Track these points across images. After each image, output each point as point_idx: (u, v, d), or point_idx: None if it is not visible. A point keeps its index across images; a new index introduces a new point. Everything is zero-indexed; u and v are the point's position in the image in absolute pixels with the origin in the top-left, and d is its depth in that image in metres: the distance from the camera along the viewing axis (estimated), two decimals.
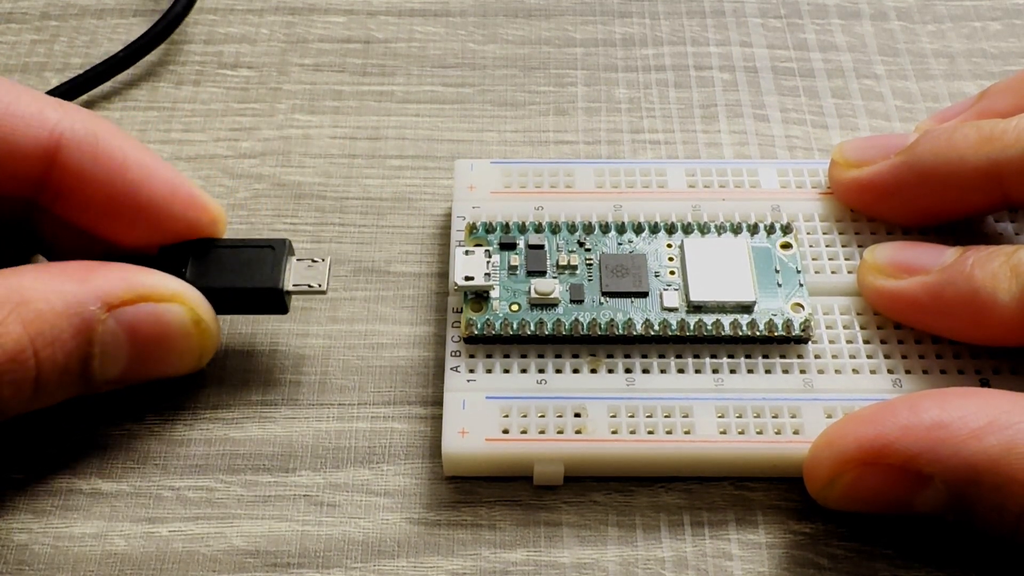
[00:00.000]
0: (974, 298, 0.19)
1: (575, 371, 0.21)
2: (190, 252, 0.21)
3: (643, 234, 0.23)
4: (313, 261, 0.21)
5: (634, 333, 0.21)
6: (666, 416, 0.20)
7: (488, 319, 0.21)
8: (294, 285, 0.21)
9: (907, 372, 0.21)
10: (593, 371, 0.21)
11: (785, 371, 0.21)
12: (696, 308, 0.21)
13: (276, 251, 0.21)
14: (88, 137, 0.20)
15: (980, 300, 0.19)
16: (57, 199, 0.20)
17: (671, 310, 0.21)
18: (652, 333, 0.21)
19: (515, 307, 0.21)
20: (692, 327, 0.21)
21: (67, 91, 0.26)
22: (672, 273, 0.22)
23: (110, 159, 0.20)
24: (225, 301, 0.21)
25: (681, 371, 0.21)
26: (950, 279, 0.20)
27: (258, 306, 0.21)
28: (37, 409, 0.19)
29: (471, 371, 0.21)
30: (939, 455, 0.17)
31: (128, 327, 0.19)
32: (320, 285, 0.21)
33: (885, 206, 0.22)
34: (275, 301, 0.21)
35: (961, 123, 0.22)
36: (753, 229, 0.23)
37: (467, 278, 0.21)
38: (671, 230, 0.23)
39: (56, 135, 0.19)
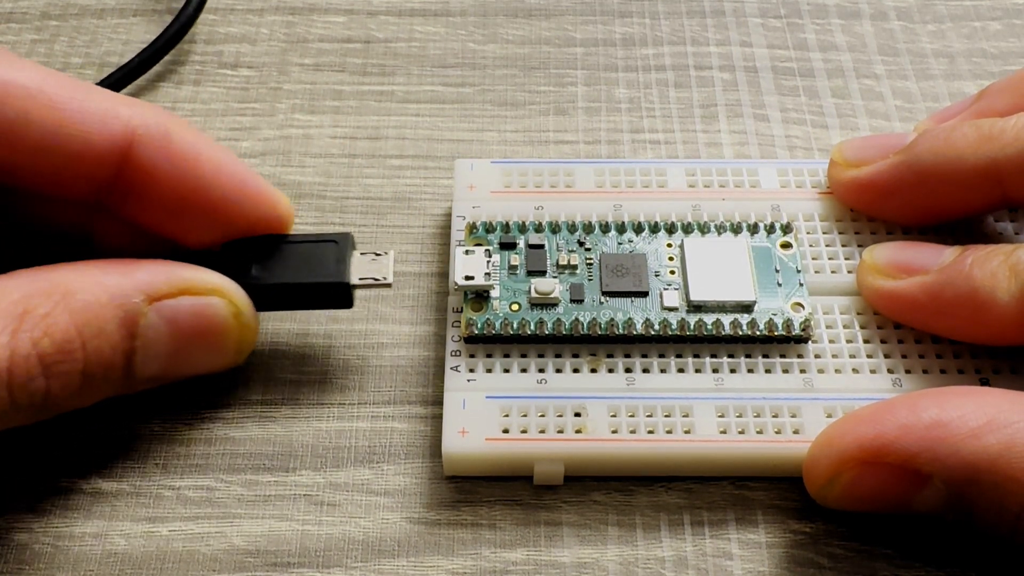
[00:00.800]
0: (973, 298, 0.19)
1: (575, 371, 0.21)
2: (253, 248, 0.21)
3: (643, 234, 0.23)
4: (376, 255, 0.21)
5: (634, 333, 0.21)
6: (666, 416, 0.20)
7: (488, 319, 0.21)
8: (360, 279, 0.21)
9: (907, 372, 0.21)
10: (593, 371, 0.21)
11: (785, 371, 0.21)
12: (696, 308, 0.21)
13: (340, 245, 0.21)
14: (161, 133, 0.19)
15: (979, 299, 0.19)
16: (127, 198, 0.20)
17: (671, 310, 0.21)
18: (652, 333, 0.21)
19: (515, 307, 0.21)
20: (692, 327, 0.21)
21: None
22: (672, 273, 0.22)
23: (183, 155, 0.20)
24: (291, 297, 0.21)
25: (681, 371, 0.21)
26: (949, 279, 0.20)
27: (324, 301, 0.21)
28: (78, 408, 0.19)
29: (471, 371, 0.21)
30: (938, 454, 0.17)
31: (169, 320, 0.19)
32: (385, 278, 0.21)
33: (884, 206, 0.22)
34: (341, 295, 0.21)
35: (960, 122, 0.22)
36: (753, 229, 0.23)
37: (467, 278, 0.21)
38: (671, 230, 0.23)
39: (130, 131, 0.19)
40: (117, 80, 0.27)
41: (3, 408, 0.17)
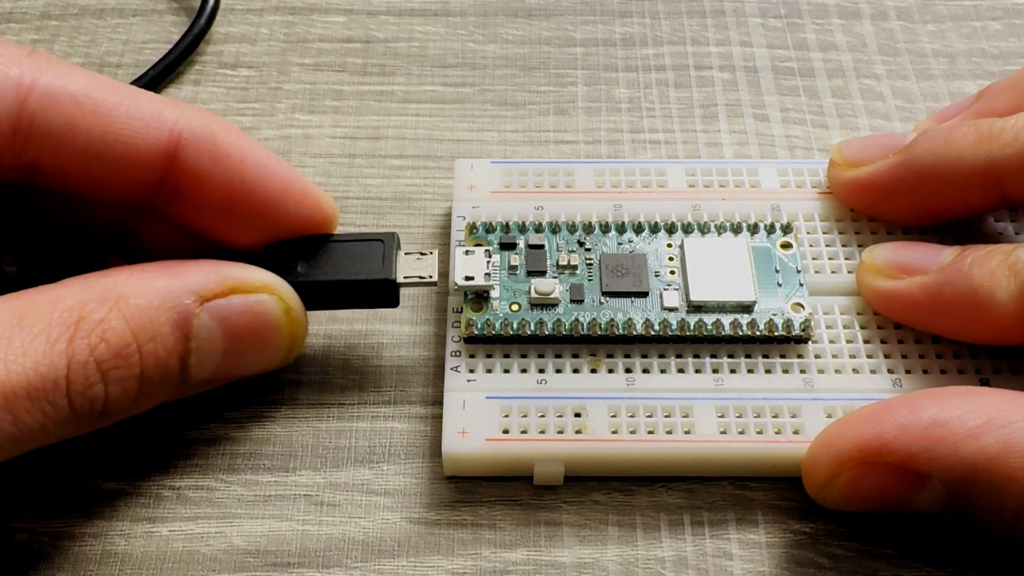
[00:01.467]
0: (972, 298, 0.19)
1: (575, 371, 0.21)
2: (299, 248, 0.21)
3: (643, 234, 0.23)
4: (421, 254, 0.21)
5: (634, 333, 0.21)
6: (666, 416, 0.20)
7: (488, 319, 0.21)
8: (405, 277, 0.21)
9: (907, 372, 0.21)
10: (593, 371, 0.21)
11: (785, 371, 0.21)
12: (696, 308, 0.21)
13: (386, 244, 0.21)
14: (206, 136, 0.19)
15: (978, 299, 0.19)
16: (173, 201, 0.20)
17: (671, 310, 0.21)
18: (652, 333, 0.21)
19: (515, 307, 0.21)
20: (692, 327, 0.21)
21: None
22: (672, 273, 0.22)
23: (228, 158, 0.19)
24: (338, 295, 0.21)
25: (681, 371, 0.21)
26: (948, 279, 0.20)
27: (370, 299, 0.21)
28: (135, 415, 0.19)
29: (471, 371, 0.21)
30: (937, 454, 0.17)
31: (222, 320, 0.19)
32: (431, 276, 0.21)
33: (884, 205, 0.22)
34: (388, 293, 0.21)
35: (959, 122, 0.22)
36: (753, 229, 0.23)
37: (467, 278, 0.21)
38: (671, 230, 0.23)
39: (175, 135, 0.19)
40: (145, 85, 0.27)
41: (63, 417, 0.17)
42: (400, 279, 0.21)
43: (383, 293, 0.21)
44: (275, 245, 0.21)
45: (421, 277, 0.21)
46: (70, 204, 0.21)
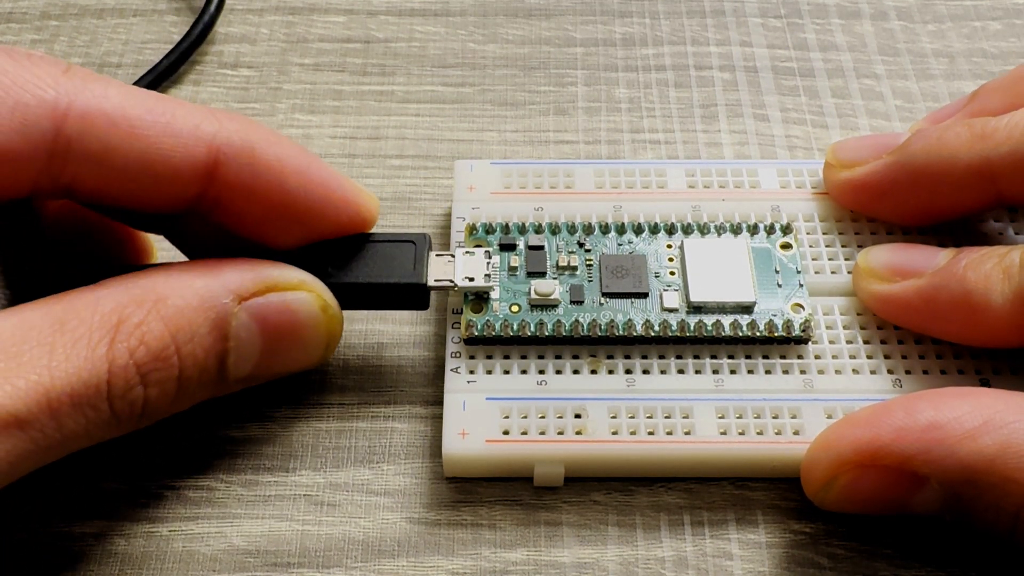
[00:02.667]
0: (967, 300, 0.19)
1: (575, 372, 0.21)
2: (331, 248, 0.21)
3: (643, 234, 0.23)
4: (452, 257, 0.21)
5: (634, 334, 0.21)
6: (666, 416, 0.20)
7: (488, 320, 0.21)
8: (435, 280, 0.21)
9: (907, 372, 0.21)
10: (593, 372, 0.21)
11: (785, 371, 0.21)
12: (696, 308, 0.21)
13: (417, 246, 0.21)
14: (245, 149, 0.19)
15: (973, 302, 0.19)
16: (214, 209, 0.19)
17: (671, 311, 0.21)
18: (652, 334, 0.21)
19: (515, 308, 0.21)
20: (692, 328, 0.21)
21: None
22: (672, 274, 0.22)
23: (268, 170, 0.19)
24: (368, 297, 0.21)
25: (681, 371, 0.21)
26: (943, 282, 0.20)
27: (400, 302, 0.21)
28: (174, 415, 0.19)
29: (471, 372, 0.21)
30: (934, 456, 0.17)
31: (260, 318, 0.19)
32: (451, 280, 0.21)
33: (879, 206, 0.22)
34: (418, 296, 0.21)
35: (953, 122, 0.22)
36: (753, 229, 0.23)
37: (467, 279, 0.21)
38: (671, 230, 0.23)
39: (214, 150, 0.19)
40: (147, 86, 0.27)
41: (104, 420, 0.17)
42: (430, 283, 0.21)
43: (413, 296, 0.21)
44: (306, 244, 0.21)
45: (452, 281, 0.21)
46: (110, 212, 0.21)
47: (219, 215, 0.20)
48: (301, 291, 0.19)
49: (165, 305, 0.18)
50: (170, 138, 0.18)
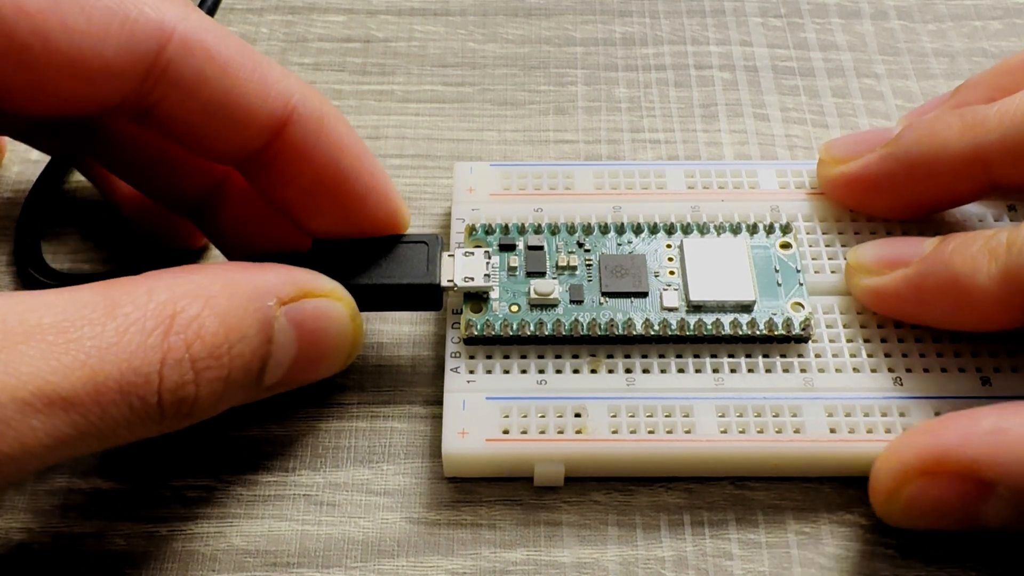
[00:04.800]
0: (954, 283, 0.19)
1: (575, 371, 0.21)
2: (344, 248, 0.21)
3: (642, 235, 0.23)
4: (451, 256, 0.21)
5: (634, 333, 0.21)
6: (666, 416, 0.20)
7: (488, 320, 0.21)
8: (448, 280, 0.21)
9: (907, 371, 0.21)
10: (593, 371, 0.21)
11: (785, 370, 0.21)
12: (696, 308, 0.21)
13: (430, 247, 0.21)
14: (316, 115, 0.19)
15: (960, 285, 0.19)
16: (266, 170, 0.20)
17: (671, 310, 0.21)
18: (652, 333, 0.21)
19: (515, 308, 0.21)
20: (692, 327, 0.21)
21: None
22: (672, 273, 0.22)
23: (330, 143, 0.19)
24: (382, 298, 0.21)
25: (681, 371, 0.21)
26: (930, 268, 0.20)
27: (413, 303, 0.21)
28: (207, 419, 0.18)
29: (471, 372, 0.21)
30: (999, 459, 0.17)
31: (298, 324, 0.18)
32: (451, 280, 0.21)
33: (874, 199, 0.22)
34: (432, 297, 0.21)
35: (944, 112, 0.22)
36: (752, 229, 0.23)
37: (467, 279, 0.21)
38: (670, 230, 0.23)
39: (290, 108, 0.19)
40: None
41: (149, 414, 0.16)
42: (444, 283, 0.21)
43: (427, 297, 0.21)
44: (321, 243, 0.21)
45: (451, 281, 0.21)
46: (165, 161, 0.21)
47: (267, 178, 0.20)
48: (333, 299, 0.19)
49: (218, 302, 0.17)
50: (255, 84, 0.19)
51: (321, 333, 0.19)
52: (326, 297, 0.19)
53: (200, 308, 0.17)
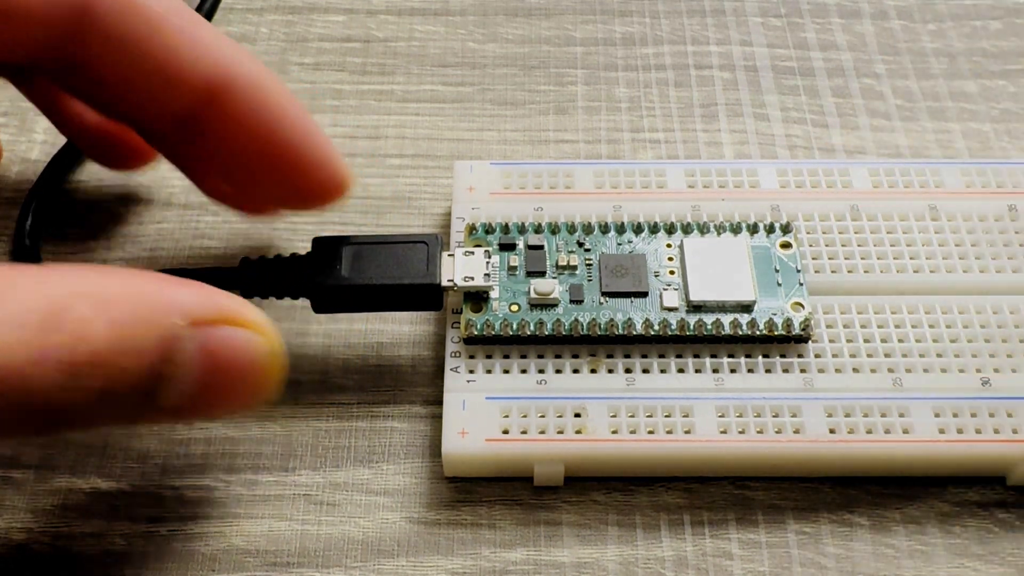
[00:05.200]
0: None
1: (575, 371, 0.21)
2: (342, 247, 0.21)
3: (643, 234, 0.23)
4: (451, 256, 0.21)
5: (634, 333, 0.21)
6: (666, 416, 0.20)
7: (488, 319, 0.21)
8: (448, 280, 0.21)
9: (907, 372, 0.21)
10: (593, 371, 0.21)
11: (785, 370, 0.21)
12: (696, 308, 0.21)
13: (430, 247, 0.21)
14: (253, 81, 0.19)
15: None
16: (203, 139, 0.19)
17: (671, 310, 0.21)
18: (652, 333, 0.21)
19: (515, 307, 0.21)
20: (692, 327, 0.21)
21: None
22: (672, 273, 0.22)
23: (267, 110, 0.19)
24: (381, 298, 0.21)
25: (681, 371, 0.21)
26: None
27: (414, 302, 0.21)
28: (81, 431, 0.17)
29: (471, 371, 0.21)
30: None
31: (206, 350, 0.16)
32: (451, 280, 0.21)
33: None
34: (432, 297, 0.21)
35: None
36: (753, 229, 0.23)
37: (467, 278, 0.21)
38: (671, 230, 0.23)
39: (224, 71, 0.19)
40: None
41: (9, 414, 0.15)
42: (444, 283, 0.21)
43: (427, 297, 0.21)
44: (320, 240, 0.21)
45: (451, 280, 0.21)
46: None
47: (204, 148, 0.19)
48: (254, 330, 0.17)
49: (115, 308, 0.15)
50: (187, 44, 0.18)
51: (232, 364, 0.17)
52: (247, 328, 0.17)
53: (91, 311, 0.15)
